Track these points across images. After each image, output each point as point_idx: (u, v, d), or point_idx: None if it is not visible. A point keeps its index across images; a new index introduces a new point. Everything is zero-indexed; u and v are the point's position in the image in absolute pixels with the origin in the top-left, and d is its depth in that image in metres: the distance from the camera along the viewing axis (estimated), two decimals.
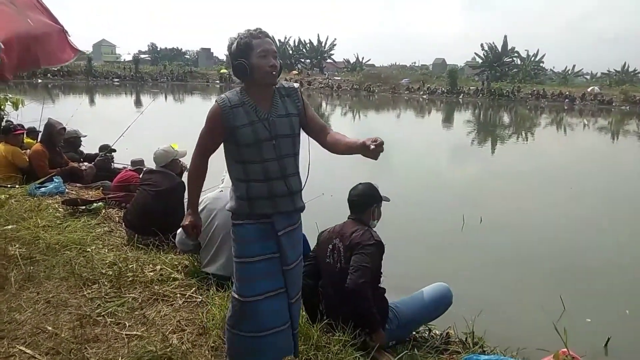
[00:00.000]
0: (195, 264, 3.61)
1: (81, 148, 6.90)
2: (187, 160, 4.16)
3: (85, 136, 6.90)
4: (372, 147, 1.90)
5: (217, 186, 3.51)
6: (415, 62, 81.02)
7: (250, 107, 2.10)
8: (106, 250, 3.93)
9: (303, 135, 2.27)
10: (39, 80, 40.19)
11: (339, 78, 52.82)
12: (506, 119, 29.84)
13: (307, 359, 2.50)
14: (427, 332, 3.18)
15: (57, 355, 2.50)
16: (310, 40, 64.22)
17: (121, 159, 6.67)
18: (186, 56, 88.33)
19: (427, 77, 52.07)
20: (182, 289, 3.31)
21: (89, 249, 3.86)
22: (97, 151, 6.76)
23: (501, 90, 41.73)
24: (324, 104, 35.13)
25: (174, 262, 3.69)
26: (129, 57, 66.19)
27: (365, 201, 2.92)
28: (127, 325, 2.81)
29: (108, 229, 4.51)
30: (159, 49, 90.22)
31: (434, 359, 2.75)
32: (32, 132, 7.22)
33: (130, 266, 3.55)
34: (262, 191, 2.12)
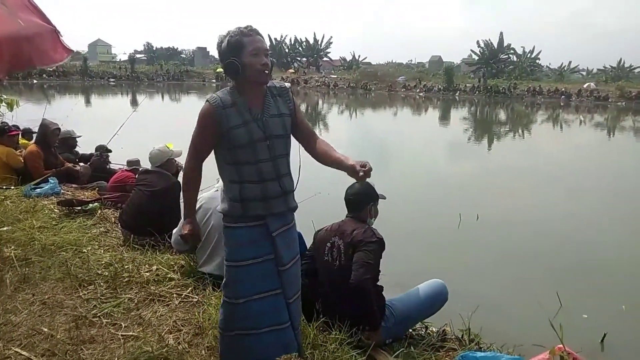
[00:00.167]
0: (192, 263, 3.60)
1: (77, 148, 6.88)
2: (182, 160, 4.18)
3: (81, 136, 6.88)
4: (361, 174, 1.93)
5: (213, 186, 3.51)
6: (411, 60, 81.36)
7: (243, 107, 2.06)
8: (102, 251, 3.91)
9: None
10: (35, 81, 40.08)
11: (336, 76, 52.79)
12: (502, 115, 29.88)
13: (303, 358, 2.50)
14: (423, 330, 3.18)
15: (53, 357, 2.49)
16: (306, 38, 64.38)
17: (117, 159, 6.66)
18: (182, 55, 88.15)
19: (423, 75, 52.08)
20: (179, 289, 3.30)
21: (84, 250, 3.85)
22: (93, 151, 6.73)
23: (497, 87, 41.76)
24: (320, 103, 35.13)
25: (170, 262, 3.68)
26: (125, 57, 66.12)
27: (362, 199, 2.93)
28: (123, 325, 2.80)
29: (104, 230, 4.50)
30: (154, 49, 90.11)
31: (430, 356, 2.75)
32: (27, 133, 7.20)
33: (126, 267, 3.54)
34: (255, 192, 2.08)
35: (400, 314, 2.87)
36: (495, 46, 52.71)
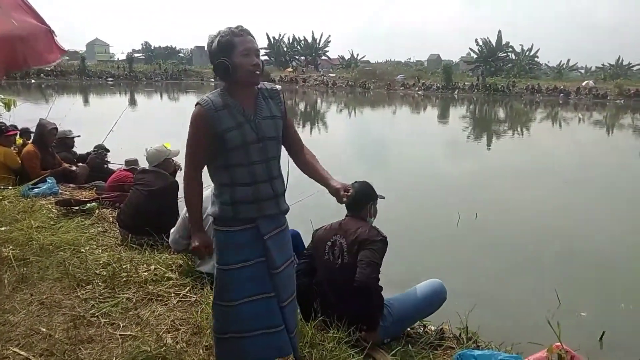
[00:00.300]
0: (190, 263, 3.60)
1: (75, 148, 6.87)
2: (179, 159, 4.17)
3: (79, 136, 6.87)
4: (344, 200, 2.10)
5: (209, 185, 3.49)
6: (410, 58, 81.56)
7: (235, 109, 2.02)
8: (100, 251, 3.92)
9: None
10: (33, 81, 40.05)
11: (334, 75, 52.83)
12: (501, 114, 29.90)
13: (301, 357, 2.50)
14: (421, 328, 3.18)
15: (51, 357, 2.49)
16: (304, 37, 64.38)
17: (116, 159, 6.65)
18: (180, 54, 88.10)
19: (422, 73, 52.09)
20: (177, 288, 3.30)
21: (82, 250, 3.85)
22: (90, 151, 6.72)
23: (496, 85, 41.82)
24: (319, 101, 35.13)
25: (168, 262, 3.68)
26: (123, 56, 65.91)
27: (361, 199, 2.92)
28: (121, 325, 2.80)
29: (102, 229, 4.50)
30: (152, 48, 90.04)
31: (428, 355, 2.75)
32: (25, 133, 7.19)
33: (124, 266, 3.54)
34: (247, 195, 2.05)
35: (398, 313, 2.86)
36: (494, 44, 52.66)
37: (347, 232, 2.81)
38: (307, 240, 3.23)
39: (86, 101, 28.76)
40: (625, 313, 4.30)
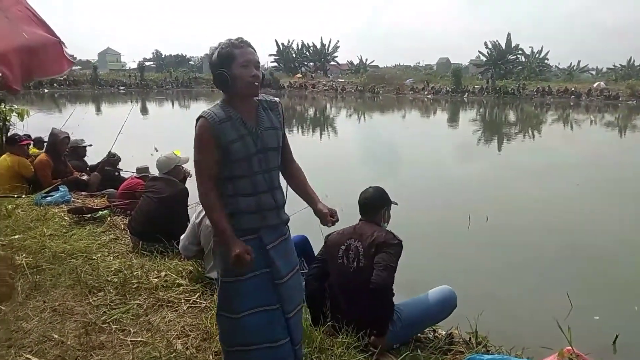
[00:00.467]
0: (199, 269, 3.63)
1: (87, 158, 6.95)
2: (189, 167, 4.21)
3: (91, 145, 6.94)
4: (330, 225, 2.18)
5: None
6: (419, 62, 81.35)
7: (237, 120, 2.03)
8: (111, 258, 3.96)
9: None
10: (46, 90, 40.63)
11: (343, 80, 52.92)
12: (512, 116, 29.70)
13: None
14: (431, 333, 3.16)
15: None
16: (313, 43, 64.64)
17: (127, 167, 6.72)
18: (190, 62, 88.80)
19: (431, 77, 52.05)
20: (187, 294, 3.33)
21: (94, 257, 3.90)
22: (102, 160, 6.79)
23: (506, 88, 41.59)
24: (328, 107, 35.18)
25: (178, 268, 3.72)
26: (134, 65, 66.73)
27: (376, 204, 2.94)
28: (132, 331, 2.84)
29: (113, 237, 4.54)
30: (163, 56, 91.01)
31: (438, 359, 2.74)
32: (38, 142, 7.29)
33: (135, 273, 3.58)
34: (250, 205, 2.05)
35: (407, 318, 2.85)
36: (503, 47, 52.48)
37: (363, 236, 2.81)
38: (315, 245, 3.24)
39: (98, 110, 29.07)
40: (639, 316, 4.23)
